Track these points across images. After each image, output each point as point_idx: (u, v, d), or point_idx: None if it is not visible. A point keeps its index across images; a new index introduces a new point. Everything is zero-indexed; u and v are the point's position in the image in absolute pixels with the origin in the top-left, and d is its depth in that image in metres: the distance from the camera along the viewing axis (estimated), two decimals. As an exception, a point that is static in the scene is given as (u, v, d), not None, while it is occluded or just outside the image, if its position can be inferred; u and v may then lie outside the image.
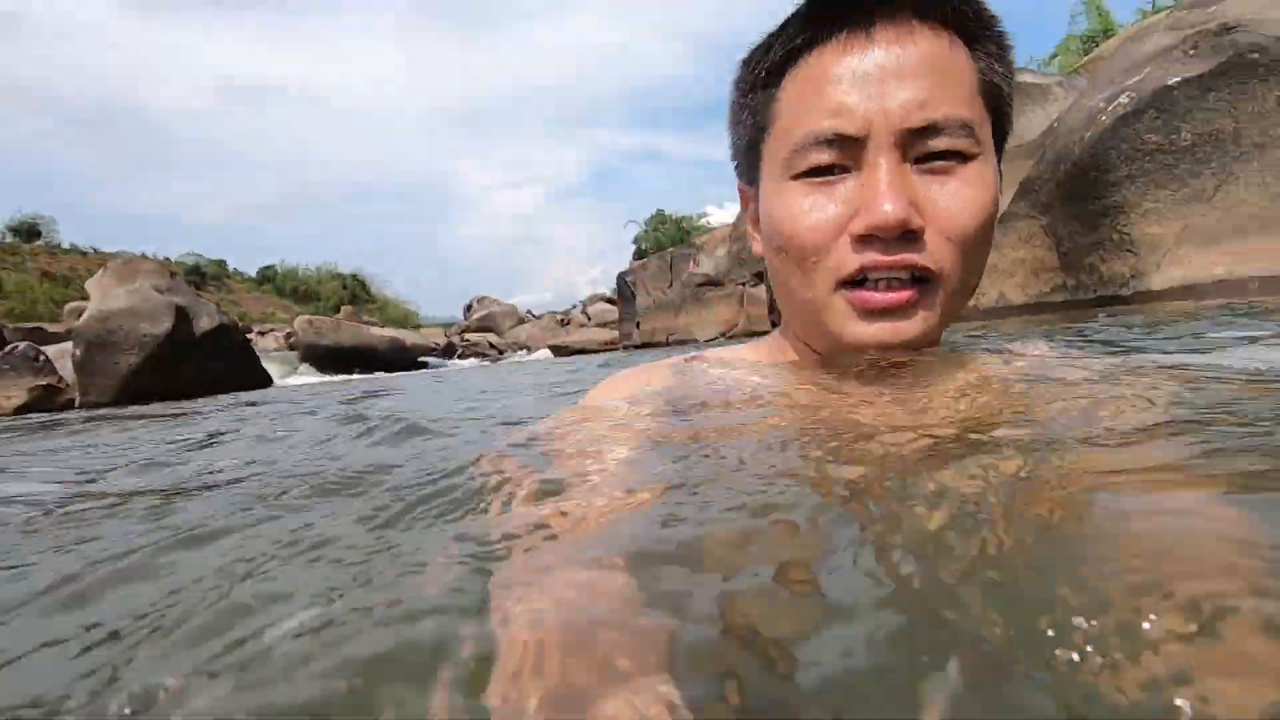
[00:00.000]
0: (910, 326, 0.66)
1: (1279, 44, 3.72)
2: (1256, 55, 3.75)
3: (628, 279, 17.70)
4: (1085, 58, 9.62)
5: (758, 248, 0.79)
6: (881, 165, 0.64)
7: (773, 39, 0.71)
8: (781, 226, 0.69)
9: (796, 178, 0.68)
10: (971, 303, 4.24)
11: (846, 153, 0.66)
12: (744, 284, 13.98)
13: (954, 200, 0.65)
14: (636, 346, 16.09)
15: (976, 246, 0.67)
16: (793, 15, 0.70)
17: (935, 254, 0.65)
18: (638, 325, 16.51)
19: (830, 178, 0.67)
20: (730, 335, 13.83)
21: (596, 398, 0.81)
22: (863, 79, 0.65)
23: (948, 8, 0.66)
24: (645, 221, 30.07)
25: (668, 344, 15.03)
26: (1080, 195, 4.55)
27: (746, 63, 0.74)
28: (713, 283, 14.70)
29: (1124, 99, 4.24)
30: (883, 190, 0.63)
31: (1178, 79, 4.01)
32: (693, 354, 0.85)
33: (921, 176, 0.65)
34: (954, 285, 0.66)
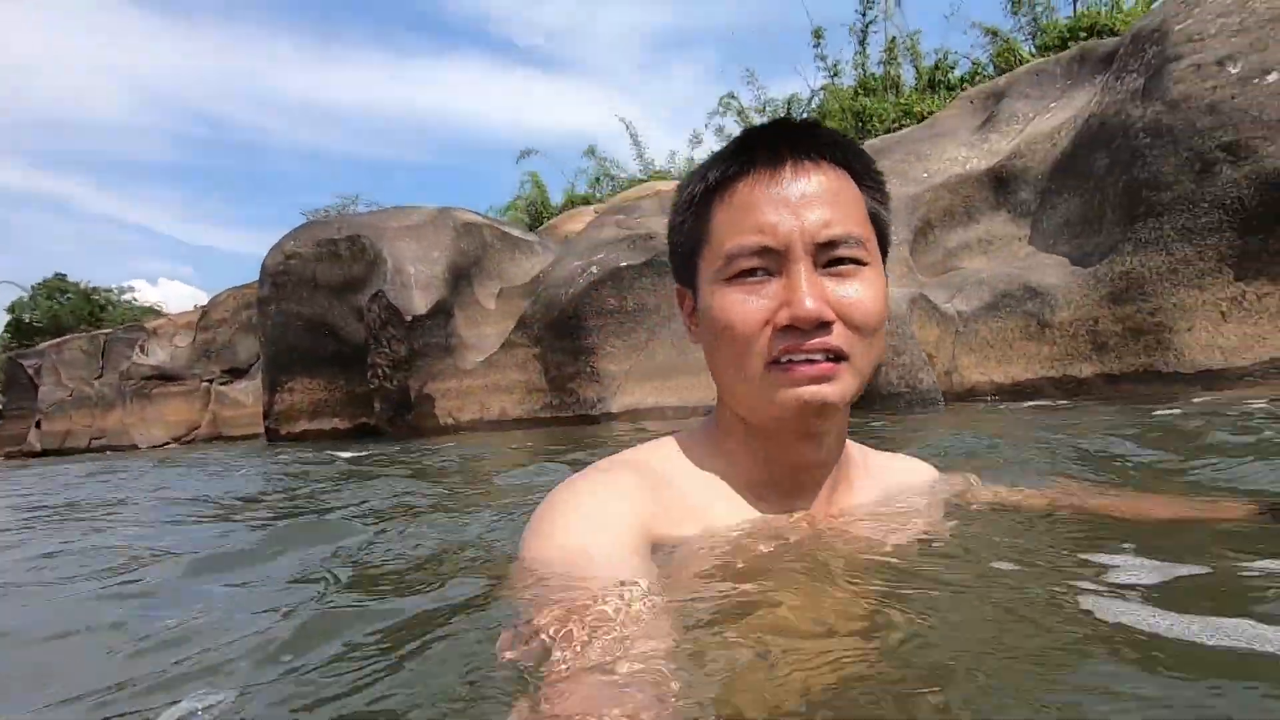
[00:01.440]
0: (831, 391, 0.80)
1: (676, 254, 5.67)
2: (664, 260, 5.63)
3: (24, 363, 13.23)
4: (534, 221, 12.27)
5: (693, 339, 0.91)
6: (799, 272, 0.79)
7: (704, 169, 0.87)
8: (719, 319, 0.82)
9: (729, 280, 0.82)
10: (479, 416, 4.88)
11: (770, 260, 0.81)
12: (211, 380, 12.10)
13: (855, 297, 0.81)
14: (35, 454, 11.95)
15: (874, 333, 0.83)
16: (721, 153, 0.87)
17: (842, 338, 0.80)
18: (38, 425, 12.35)
19: (757, 280, 0.81)
20: (188, 440, 11.63)
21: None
22: (781, 203, 0.81)
23: (838, 152, 0.84)
24: (32, 286, 23.16)
25: (89, 449, 11.65)
26: (564, 334, 5.81)
27: (682, 188, 0.90)
28: (166, 376, 12.26)
29: (594, 269, 5.72)
30: (803, 290, 0.78)
31: (625, 263, 5.65)
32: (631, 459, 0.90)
33: (828, 280, 0.81)
34: (861, 365, 0.82)
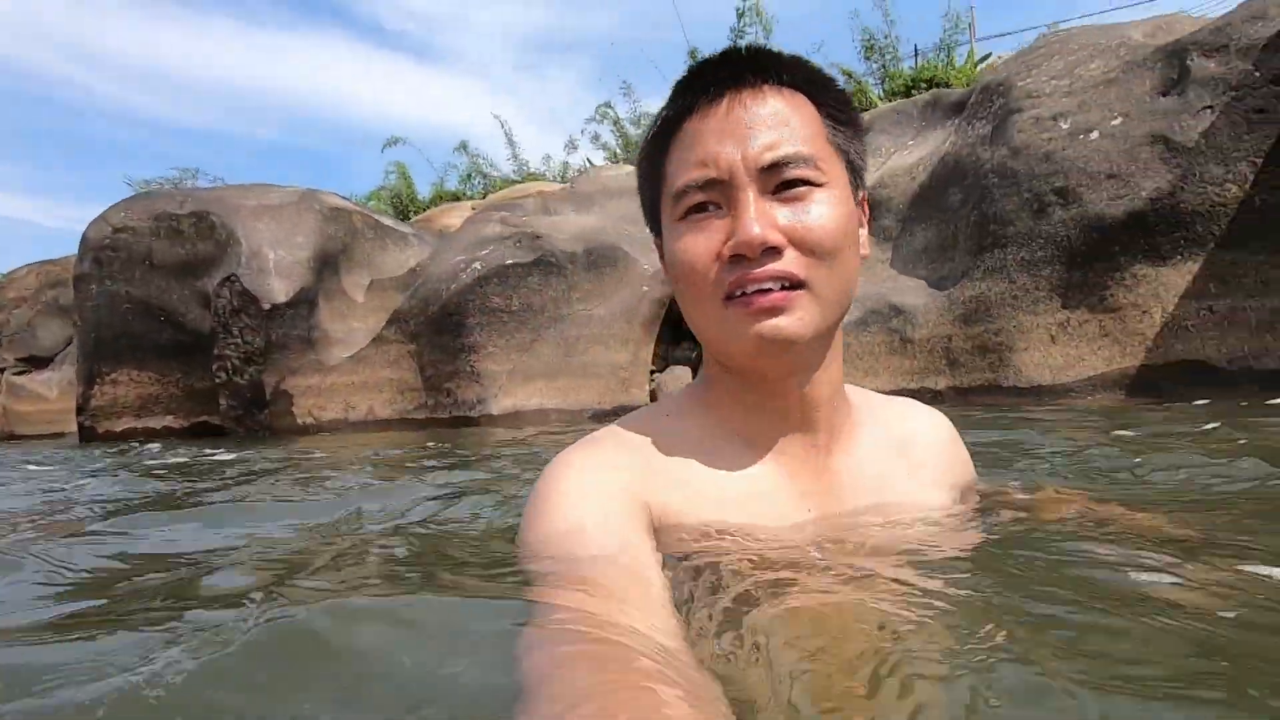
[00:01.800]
0: (789, 324, 0.76)
1: (563, 253, 5.60)
2: (553, 258, 5.54)
3: None
4: (399, 214, 11.70)
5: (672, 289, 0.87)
6: (744, 200, 0.76)
7: (657, 115, 0.85)
8: (676, 260, 0.81)
9: (681, 219, 0.80)
10: (343, 415, 4.59)
11: (716, 193, 0.78)
12: (3, 370, 10.31)
13: (807, 218, 0.76)
14: None
15: (833, 255, 0.77)
16: (672, 92, 0.84)
17: (798, 264, 0.76)
18: None
19: (706, 214, 0.79)
20: (-33, 439, 9.82)
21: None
22: (725, 133, 0.78)
23: (792, 74, 0.81)
24: None
25: None
26: (443, 332, 5.55)
27: (645, 136, 0.88)
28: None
29: (478, 265, 5.52)
30: (746, 219, 0.75)
31: (512, 261, 5.50)
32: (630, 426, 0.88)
33: (780, 205, 0.77)
34: (824, 293, 0.78)
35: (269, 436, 5.59)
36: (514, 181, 12.42)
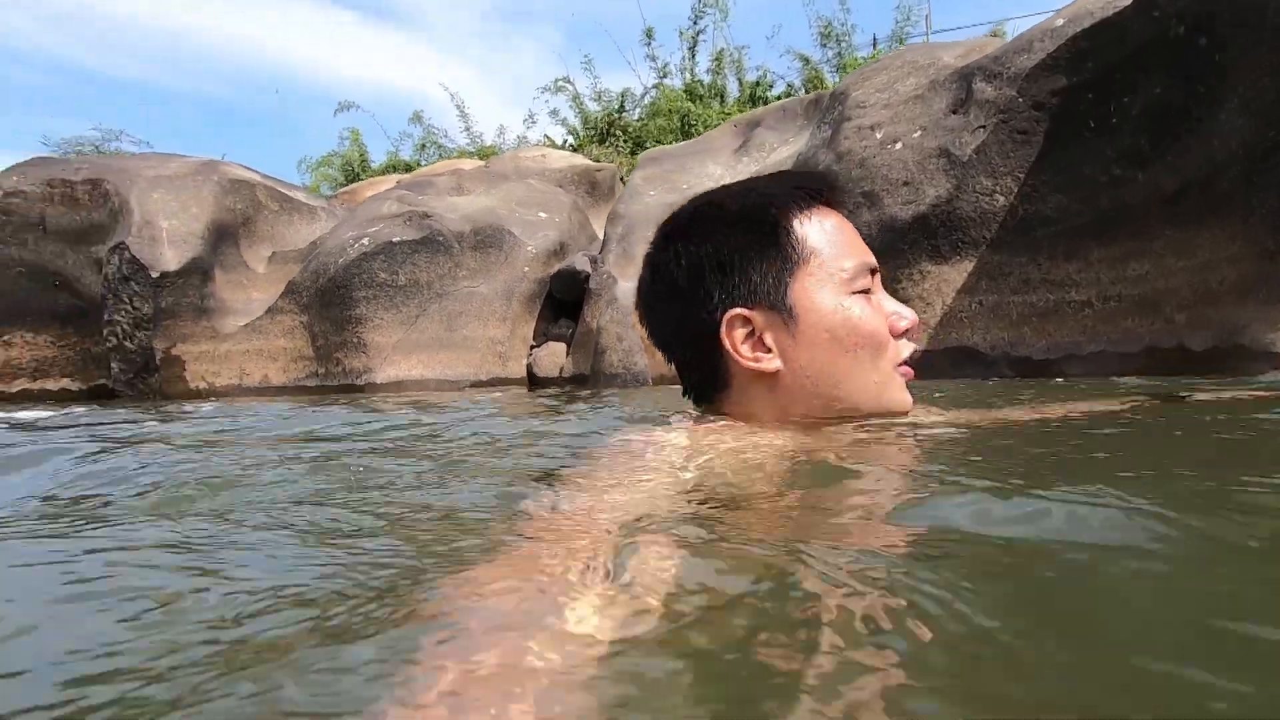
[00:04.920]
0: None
1: (451, 233, 5.91)
2: (441, 238, 5.85)
3: None
4: (348, 181, 11.73)
5: (767, 364, 0.95)
6: (883, 292, 1.01)
7: (775, 200, 0.98)
8: (861, 326, 0.95)
9: (855, 293, 0.97)
10: (237, 381, 4.91)
11: (871, 281, 1.00)
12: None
13: None
14: None
15: None
16: (772, 184, 1.03)
17: None
18: None
19: (866, 294, 0.98)
20: None
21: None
22: (856, 235, 1.03)
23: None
24: None
25: None
26: (333, 304, 5.83)
27: (740, 215, 0.99)
28: None
29: (366, 241, 5.80)
30: (905, 308, 1.00)
31: (399, 239, 5.80)
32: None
33: None
34: None
35: (160, 400, 5.81)
36: (469, 154, 12.50)
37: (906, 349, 1.00)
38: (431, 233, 5.88)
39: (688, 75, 11.19)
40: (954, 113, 4.18)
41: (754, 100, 10.39)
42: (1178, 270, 3.36)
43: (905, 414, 1.00)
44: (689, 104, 10.31)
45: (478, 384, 5.58)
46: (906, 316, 0.98)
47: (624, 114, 11.03)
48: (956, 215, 4.02)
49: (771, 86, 10.74)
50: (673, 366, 1.09)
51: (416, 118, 12.77)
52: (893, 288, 4.25)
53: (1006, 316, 3.99)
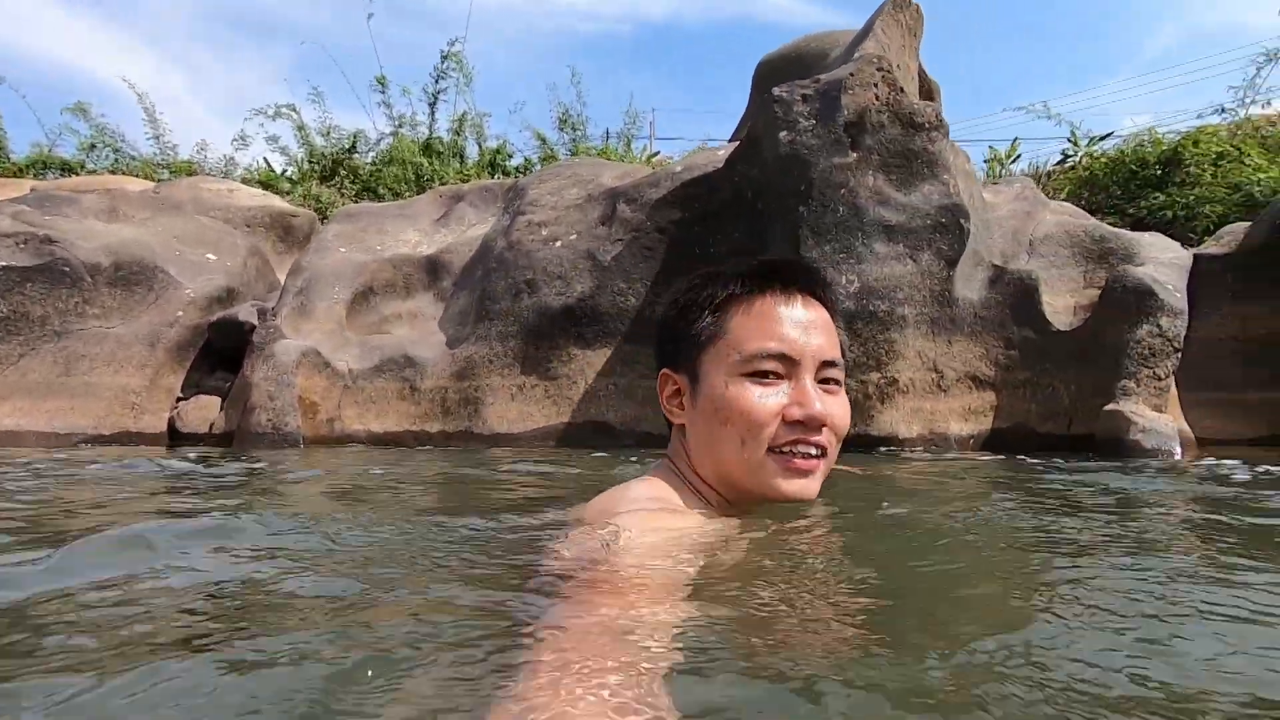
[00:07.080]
0: (812, 487, 1.03)
1: (82, 263, 5.18)
2: (67, 267, 5.09)
3: None
4: None
5: (675, 416, 1.10)
6: (807, 381, 1.02)
7: (726, 281, 1.06)
8: (735, 405, 1.00)
9: (746, 375, 1.01)
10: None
11: (783, 366, 1.02)
12: None
13: (839, 409, 1.05)
14: None
15: (841, 441, 1.08)
16: (736, 270, 1.07)
17: (827, 440, 1.03)
18: None
19: (769, 380, 1.01)
20: None
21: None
22: (795, 324, 1.03)
23: (827, 295, 1.10)
24: None
25: None
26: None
27: (700, 288, 1.09)
28: None
29: (-46, 261, 4.79)
30: (813, 396, 1.00)
31: (7, 264, 4.91)
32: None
33: (824, 393, 1.04)
34: (829, 464, 1.05)
35: None
36: (157, 166, 10.68)
37: (790, 434, 1.02)
38: (54, 260, 5.08)
39: (425, 131, 11.16)
40: (602, 224, 5.00)
41: (494, 166, 10.66)
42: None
43: (801, 502, 1.04)
44: (424, 159, 10.28)
45: (98, 438, 4.85)
46: (804, 407, 1.01)
47: (355, 155, 10.64)
48: (598, 309, 4.76)
49: (511, 157, 11.09)
50: None
51: (80, 109, 10.68)
52: (546, 365, 4.82)
53: (634, 397, 4.78)
